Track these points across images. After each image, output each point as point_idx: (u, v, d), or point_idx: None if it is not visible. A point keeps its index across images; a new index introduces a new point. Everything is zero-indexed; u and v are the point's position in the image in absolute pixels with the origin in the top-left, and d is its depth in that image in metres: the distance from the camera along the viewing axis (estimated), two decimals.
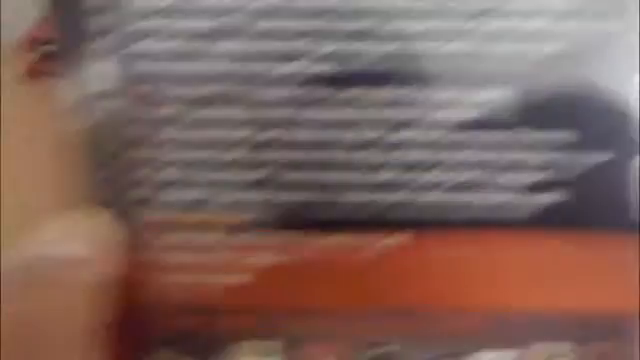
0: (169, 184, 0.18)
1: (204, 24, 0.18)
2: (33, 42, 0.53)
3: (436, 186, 0.18)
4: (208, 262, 0.18)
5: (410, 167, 0.18)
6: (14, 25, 0.56)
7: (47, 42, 0.52)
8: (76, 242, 0.17)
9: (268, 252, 0.18)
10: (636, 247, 0.18)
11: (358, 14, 0.18)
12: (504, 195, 0.18)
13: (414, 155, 0.18)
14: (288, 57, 0.18)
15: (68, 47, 0.18)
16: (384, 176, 0.18)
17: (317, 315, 0.18)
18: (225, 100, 0.18)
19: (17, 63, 0.53)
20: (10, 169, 0.44)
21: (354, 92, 0.18)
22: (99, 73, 0.18)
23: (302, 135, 0.18)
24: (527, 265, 0.18)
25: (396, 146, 0.18)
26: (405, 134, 0.18)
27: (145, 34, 0.18)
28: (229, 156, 0.18)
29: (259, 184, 0.18)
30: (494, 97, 0.18)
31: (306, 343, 0.19)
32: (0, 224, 0.39)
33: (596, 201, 0.18)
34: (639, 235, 0.18)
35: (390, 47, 0.18)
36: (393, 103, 0.18)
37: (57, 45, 0.19)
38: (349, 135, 0.18)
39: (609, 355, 0.18)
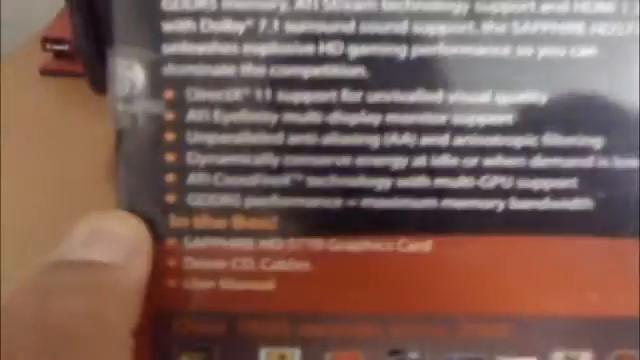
0: (196, 189, 0.18)
1: (233, 27, 0.18)
2: (46, 41, 0.53)
3: (467, 191, 0.18)
4: (233, 268, 0.18)
5: (441, 172, 0.18)
6: (27, 24, 0.56)
7: (60, 41, 0.52)
8: (102, 247, 0.17)
9: (292, 258, 0.18)
10: None
11: (388, 17, 0.18)
12: (530, 202, 0.18)
13: (440, 161, 0.18)
14: (317, 61, 0.18)
15: (85, 46, 0.18)
16: (415, 181, 0.18)
17: (337, 322, 0.18)
18: (254, 104, 0.18)
19: (31, 62, 0.54)
20: (30, 169, 0.44)
21: (382, 96, 0.18)
22: (126, 76, 0.18)
23: (329, 140, 0.18)
24: (551, 271, 0.18)
25: (423, 151, 0.18)
26: (432, 139, 0.18)
27: (174, 37, 0.18)
28: (256, 161, 0.18)
29: (285, 189, 0.18)
30: (523, 102, 0.18)
31: (325, 350, 0.18)
32: (22, 227, 0.39)
33: (622, 208, 0.18)
34: None
35: (420, 51, 0.18)
36: (421, 108, 0.18)
37: (78, 46, 0.19)
38: (376, 140, 0.18)
39: None
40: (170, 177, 0.18)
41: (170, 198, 0.18)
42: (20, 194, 0.41)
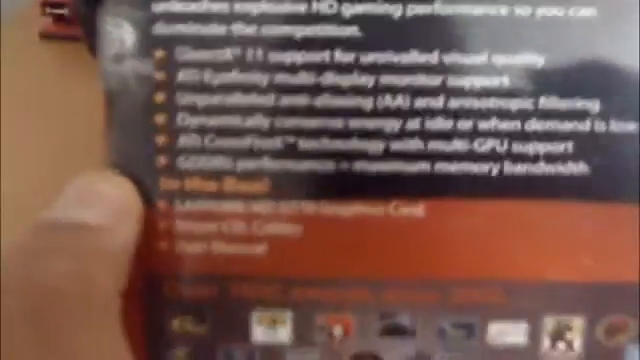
0: (187, 151, 0.18)
1: None
2: (45, 4, 0.52)
3: (461, 155, 0.18)
4: (224, 231, 0.18)
5: (435, 135, 0.18)
6: None
7: (59, 4, 0.52)
8: (92, 208, 0.17)
9: (284, 222, 0.18)
10: None
11: None
12: (525, 165, 0.18)
13: (434, 123, 0.18)
14: (309, 20, 0.17)
15: (84, 10, 0.18)
16: (408, 144, 0.18)
17: (329, 286, 0.18)
18: (245, 64, 0.18)
19: (30, 26, 0.53)
20: (28, 132, 0.44)
21: (376, 57, 0.18)
22: (116, 35, 0.17)
23: (321, 102, 0.18)
24: (545, 236, 0.18)
25: (416, 114, 0.18)
26: (426, 101, 0.18)
27: None
28: (248, 123, 0.18)
29: (277, 152, 0.18)
30: (520, 63, 0.18)
31: (317, 313, 0.18)
32: (21, 192, 0.39)
33: (619, 173, 0.18)
34: None
35: (415, 10, 0.17)
36: (415, 69, 0.18)
37: (76, 9, 0.18)
38: (369, 102, 0.18)
39: (622, 328, 0.18)
40: (160, 139, 0.18)
41: (161, 160, 0.18)
42: (19, 159, 0.41)
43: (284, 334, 0.18)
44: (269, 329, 0.18)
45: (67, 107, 0.44)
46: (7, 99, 0.45)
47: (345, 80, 0.18)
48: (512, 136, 0.18)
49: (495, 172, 0.18)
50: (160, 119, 0.18)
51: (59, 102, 0.45)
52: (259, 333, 0.19)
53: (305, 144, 0.18)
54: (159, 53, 0.18)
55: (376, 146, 0.18)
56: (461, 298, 0.18)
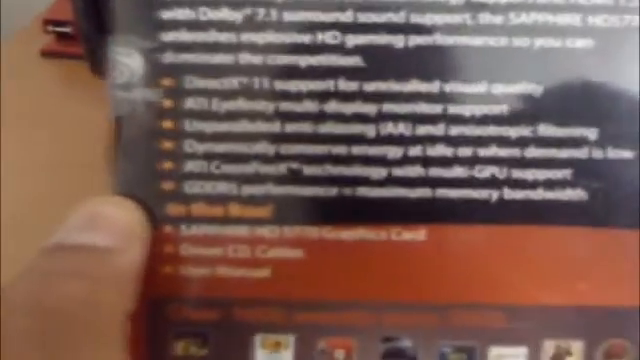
0: (193, 176, 0.18)
1: (231, 16, 0.18)
2: (47, 23, 0.53)
3: (461, 181, 0.18)
4: (229, 255, 0.18)
5: (436, 161, 0.18)
6: (29, 5, 0.56)
7: (62, 23, 0.52)
8: (100, 231, 0.17)
9: (289, 246, 0.18)
10: None
11: (385, 7, 0.18)
12: (524, 192, 0.18)
13: (436, 150, 0.18)
14: (314, 50, 0.18)
15: (87, 30, 0.18)
16: (410, 170, 0.18)
17: (331, 309, 0.18)
18: (251, 93, 0.18)
19: (32, 43, 0.53)
20: (24, 152, 0.44)
21: (379, 86, 0.18)
22: (125, 64, 0.18)
23: (325, 129, 0.18)
24: (544, 261, 0.18)
25: (418, 141, 0.18)
26: (427, 129, 0.18)
27: (172, 25, 0.18)
28: (253, 149, 0.18)
29: (281, 178, 0.18)
30: (518, 92, 0.18)
31: (319, 337, 0.19)
32: (21, 211, 0.39)
33: (616, 199, 0.18)
34: None
35: (416, 41, 0.18)
36: (417, 97, 0.18)
37: (78, 29, 0.19)
38: (372, 129, 0.18)
39: (621, 353, 0.18)
40: (167, 165, 0.18)
41: (167, 185, 0.18)
42: (20, 177, 0.41)
43: (287, 358, 0.19)
44: (272, 353, 0.19)
45: (67, 125, 0.45)
46: (7, 116, 0.45)
47: (348, 108, 0.18)
48: (511, 163, 0.18)
49: (494, 198, 0.18)
50: (167, 145, 0.18)
51: (59, 120, 0.46)
52: (262, 357, 0.19)
53: (309, 170, 0.18)
54: (167, 81, 0.18)
55: (378, 172, 0.18)
56: (461, 322, 0.18)
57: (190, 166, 0.18)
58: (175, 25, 0.18)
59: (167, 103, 0.18)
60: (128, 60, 0.18)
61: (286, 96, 0.18)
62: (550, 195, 0.18)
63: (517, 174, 0.18)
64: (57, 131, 0.45)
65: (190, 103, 0.18)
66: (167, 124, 0.18)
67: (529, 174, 0.18)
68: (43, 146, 0.44)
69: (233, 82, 0.18)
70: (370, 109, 0.18)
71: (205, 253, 0.18)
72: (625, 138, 0.18)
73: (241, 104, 0.18)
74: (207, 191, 0.18)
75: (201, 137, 0.18)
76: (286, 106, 0.18)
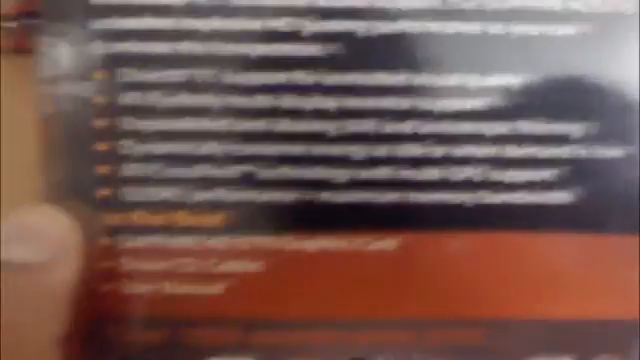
0: (132, 181, 0.17)
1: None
2: (17, 15, 0.51)
3: (434, 184, 0.17)
4: (176, 269, 0.17)
5: (405, 162, 0.17)
6: None
7: (29, 15, 0.51)
8: (27, 245, 0.15)
9: (244, 258, 0.17)
10: None
11: None
12: (504, 195, 0.17)
13: (405, 150, 0.17)
14: (266, 38, 0.16)
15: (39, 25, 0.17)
16: (377, 172, 0.17)
17: (294, 328, 0.17)
18: (195, 86, 0.16)
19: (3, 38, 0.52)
20: None
21: (340, 78, 0.17)
22: (51, 55, 0.16)
23: (281, 127, 0.17)
24: (528, 271, 0.17)
25: (385, 139, 0.17)
26: (395, 126, 0.17)
27: (103, 11, 0.16)
28: (202, 149, 0.17)
29: (233, 182, 0.17)
30: (496, 85, 0.17)
31: (282, 359, 0.17)
32: None
33: (605, 201, 0.17)
34: None
35: (381, 28, 0.16)
36: (383, 91, 0.17)
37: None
38: (333, 127, 0.17)
39: None
40: (103, 169, 0.17)
41: (103, 192, 0.17)
42: None
43: None
44: None
45: (12, 127, 0.43)
46: None
47: (306, 103, 0.17)
48: (489, 163, 0.17)
49: (472, 202, 0.17)
50: (101, 146, 0.17)
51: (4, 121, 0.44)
52: None
53: (264, 173, 0.17)
54: (99, 74, 0.16)
55: (342, 174, 0.17)
56: (439, 340, 0.17)
57: (128, 170, 0.17)
58: (106, 11, 0.16)
59: (99, 99, 0.16)
60: (54, 50, 0.16)
61: (235, 90, 0.16)
62: (533, 198, 0.17)
63: (496, 175, 0.17)
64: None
65: (126, 99, 0.16)
66: (100, 122, 0.16)
67: (509, 175, 0.17)
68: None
69: (174, 74, 0.16)
70: (330, 104, 0.17)
71: (149, 267, 0.17)
72: (614, 134, 0.17)
73: (184, 99, 0.16)
74: (149, 198, 0.17)
75: (140, 137, 0.17)
76: (236, 101, 0.16)
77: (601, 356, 0.17)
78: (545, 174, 0.17)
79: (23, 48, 0.50)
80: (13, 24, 0.49)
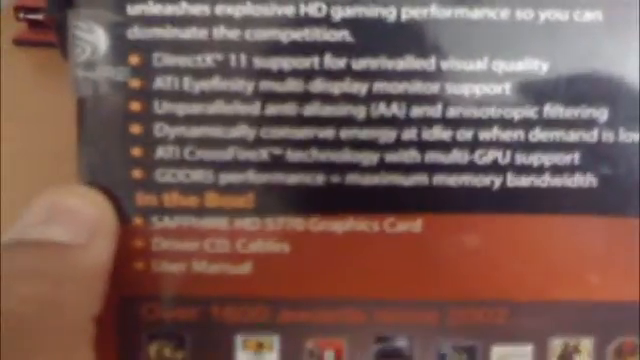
0: (165, 163, 0.17)
1: None
2: (19, 9, 0.51)
3: (460, 167, 0.17)
4: (206, 249, 0.17)
5: (427, 146, 0.17)
6: None
7: (34, 9, 0.50)
8: (61, 225, 0.16)
9: (270, 239, 0.17)
10: None
11: None
12: (529, 178, 0.17)
13: (432, 133, 0.17)
14: (297, 23, 0.16)
15: (58, 14, 0.16)
16: (404, 155, 0.17)
17: (319, 307, 0.17)
18: (228, 71, 0.16)
19: (5, 32, 0.52)
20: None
21: (369, 63, 0.16)
22: (88, 40, 0.16)
23: (311, 110, 0.17)
24: (550, 253, 0.17)
25: (413, 123, 0.17)
26: (423, 110, 0.17)
27: None
28: (231, 133, 0.17)
29: (263, 164, 0.17)
30: (522, 70, 0.17)
31: (306, 337, 0.17)
32: None
33: (628, 184, 0.17)
34: None
35: (410, 13, 0.16)
36: (411, 75, 0.17)
37: (46, 13, 0.17)
38: (362, 111, 0.17)
39: (633, 351, 0.17)
40: (136, 151, 0.17)
41: (137, 174, 0.17)
42: None
43: None
44: (255, 355, 0.17)
45: (41, 115, 0.43)
46: None
47: (336, 87, 0.16)
48: (515, 147, 0.17)
49: (497, 185, 0.17)
50: (136, 129, 0.17)
51: (33, 110, 0.44)
52: (244, 359, 0.17)
53: (293, 156, 0.17)
54: (134, 59, 0.16)
55: (370, 157, 0.17)
56: (462, 319, 0.17)
57: (161, 152, 0.17)
58: None
59: (134, 83, 0.16)
60: (90, 36, 0.16)
61: (267, 74, 0.16)
62: (557, 181, 0.17)
63: (521, 159, 0.17)
64: (30, 121, 0.43)
65: (160, 82, 0.16)
66: (135, 106, 0.16)
67: (534, 159, 0.17)
68: (16, 136, 0.42)
69: (207, 59, 0.16)
70: (360, 88, 0.16)
71: (180, 247, 0.17)
72: (637, 119, 0.17)
73: (217, 83, 0.16)
74: (181, 179, 0.17)
75: (173, 120, 0.17)
76: (267, 85, 0.16)
77: (620, 338, 0.17)
78: (569, 157, 0.17)
79: (41, 41, 0.50)
80: (36, 16, 0.49)
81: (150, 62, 0.16)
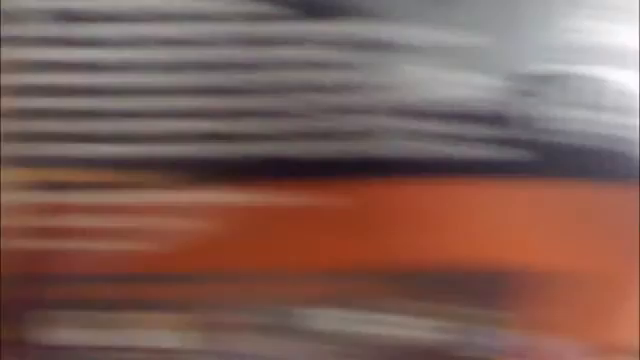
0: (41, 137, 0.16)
1: None
2: None
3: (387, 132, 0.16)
4: (113, 226, 0.16)
5: (365, 111, 0.16)
6: None
7: None
8: None
9: (184, 213, 0.16)
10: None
11: None
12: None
13: (373, 97, 0.16)
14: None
15: None
16: (326, 122, 0.16)
17: (235, 282, 0.16)
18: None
19: None
20: None
21: (310, 27, 0.16)
22: None
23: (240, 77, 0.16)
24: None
25: (352, 88, 0.16)
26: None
27: None
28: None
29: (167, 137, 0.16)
30: None
31: (222, 315, 0.16)
32: None
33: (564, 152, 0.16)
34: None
35: None
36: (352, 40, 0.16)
37: None
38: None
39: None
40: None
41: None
42: None
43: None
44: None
45: None
46: None
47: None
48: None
49: (445, 150, 0.16)
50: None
51: None
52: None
53: (203, 126, 0.16)
54: None
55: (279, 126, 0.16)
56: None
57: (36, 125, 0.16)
58: None
59: None
60: None
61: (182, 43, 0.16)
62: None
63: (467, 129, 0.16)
64: None
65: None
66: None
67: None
68: None
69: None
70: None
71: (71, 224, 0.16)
72: None
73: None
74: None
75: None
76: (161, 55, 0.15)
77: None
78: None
79: None
80: None
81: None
